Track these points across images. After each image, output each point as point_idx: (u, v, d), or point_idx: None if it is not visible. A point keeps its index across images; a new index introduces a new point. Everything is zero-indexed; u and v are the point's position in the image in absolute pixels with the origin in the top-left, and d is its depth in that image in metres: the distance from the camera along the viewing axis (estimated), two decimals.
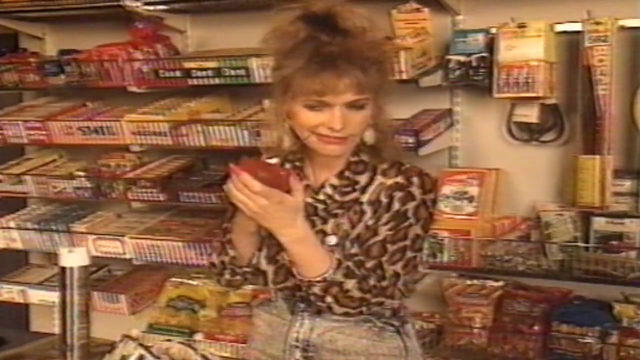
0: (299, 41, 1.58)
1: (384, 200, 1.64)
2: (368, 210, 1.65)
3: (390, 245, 1.61)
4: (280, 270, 1.69)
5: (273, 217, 1.54)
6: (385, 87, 1.65)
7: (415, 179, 1.64)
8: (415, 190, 1.63)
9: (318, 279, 1.57)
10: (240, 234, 1.70)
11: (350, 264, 1.59)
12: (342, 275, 1.57)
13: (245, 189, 1.51)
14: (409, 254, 1.63)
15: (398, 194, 1.63)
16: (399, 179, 1.65)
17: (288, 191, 1.54)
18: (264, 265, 1.72)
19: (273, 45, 1.62)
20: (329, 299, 1.59)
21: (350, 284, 1.58)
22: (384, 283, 1.60)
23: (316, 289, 1.58)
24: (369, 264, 1.60)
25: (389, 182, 1.65)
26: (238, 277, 1.76)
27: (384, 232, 1.62)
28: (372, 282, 1.59)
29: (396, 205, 1.63)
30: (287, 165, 1.72)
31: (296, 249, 1.58)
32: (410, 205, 1.63)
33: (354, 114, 1.59)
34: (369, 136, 1.66)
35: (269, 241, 1.70)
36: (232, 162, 1.57)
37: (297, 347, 1.70)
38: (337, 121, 1.57)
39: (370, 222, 1.64)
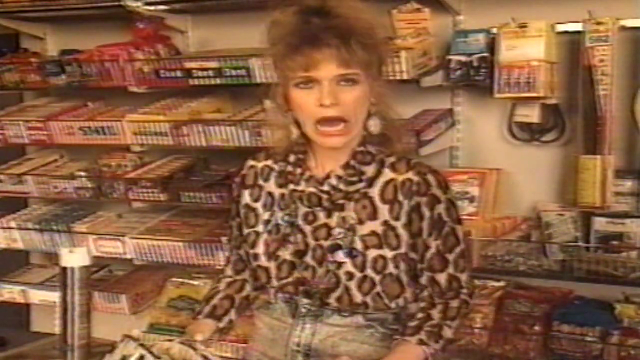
0: (292, 27, 1.58)
1: (405, 201, 1.63)
2: (384, 209, 1.64)
3: (448, 255, 1.65)
4: (282, 265, 1.68)
5: None
6: (377, 70, 1.64)
7: (431, 179, 1.64)
8: (437, 191, 1.64)
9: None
10: None
11: (429, 330, 1.63)
12: (434, 341, 1.62)
13: None
14: (465, 253, 1.68)
15: (423, 199, 1.63)
16: (411, 175, 1.64)
17: None
18: (264, 262, 1.70)
19: (269, 35, 1.63)
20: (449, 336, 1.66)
21: (446, 330, 1.65)
22: (464, 293, 1.68)
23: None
24: (442, 279, 1.66)
25: (401, 177, 1.64)
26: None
27: (434, 245, 1.65)
28: (454, 304, 1.67)
29: (426, 213, 1.63)
30: (291, 157, 1.70)
31: None
32: (440, 209, 1.64)
33: (346, 91, 1.57)
34: (374, 124, 1.65)
35: (267, 237, 1.70)
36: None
37: (298, 351, 1.68)
38: (325, 96, 1.55)
39: (398, 225, 1.63)
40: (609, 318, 2.64)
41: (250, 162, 1.80)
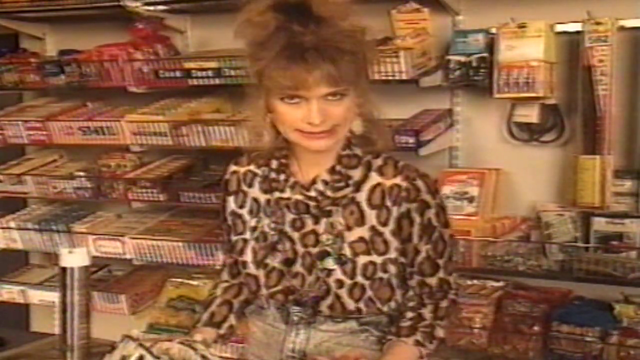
0: (270, 32, 1.50)
1: (393, 208, 1.60)
2: (372, 214, 1.61)
3: (439, 259, 1.65)
4: (271, 274, 1.64)
5: None
6: (364, 76, 1.59)
7: (420, 184, 1.61)
8: (426, 197, 1.61)
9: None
10: None
11: (423, 331, 1.64)
12: (429, 342, 1.63)
13: None
14: (452, 255, 1.69)
15: (412, 205, 1.60)
16: (399, 181, 1.61)
17: None
18: (252, 270, 1.67)
19: (245, 36, 1.57)
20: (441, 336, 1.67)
21: (438, 330, 1.65)
22: (452, 294, 1.68)
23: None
24: (433, 283, 1.65)
25: (388, 183, 1.61)
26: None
27: (424, 249, 1.64)
28: (443, 304, 1.67)
29: (417, 219, 1.61)
30: (273, 162, 1.65)
31: None
32: (430, 214, 1.62)
33: (334, 106, 1.52)
34: (356, 125, 1.60)
35: (255, 244, 1.67)
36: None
37: (293, 357, 1.66)
38: (314, 115, 1.50)
39: (386, 231, 1.61)
40: (608, 318, 2.64)
41: (233, 167, 1.75)
